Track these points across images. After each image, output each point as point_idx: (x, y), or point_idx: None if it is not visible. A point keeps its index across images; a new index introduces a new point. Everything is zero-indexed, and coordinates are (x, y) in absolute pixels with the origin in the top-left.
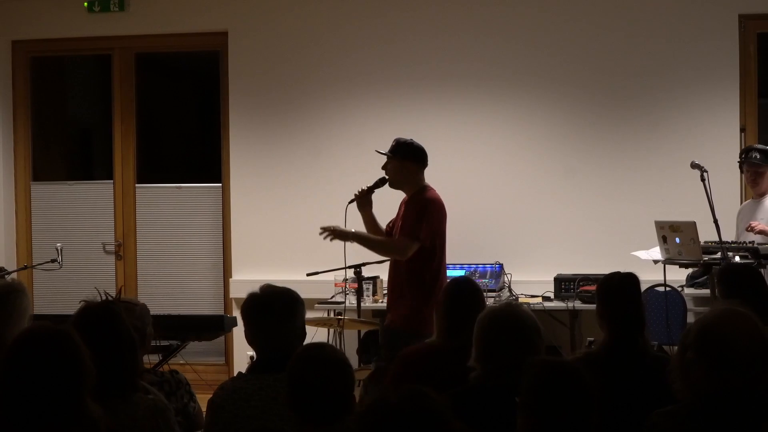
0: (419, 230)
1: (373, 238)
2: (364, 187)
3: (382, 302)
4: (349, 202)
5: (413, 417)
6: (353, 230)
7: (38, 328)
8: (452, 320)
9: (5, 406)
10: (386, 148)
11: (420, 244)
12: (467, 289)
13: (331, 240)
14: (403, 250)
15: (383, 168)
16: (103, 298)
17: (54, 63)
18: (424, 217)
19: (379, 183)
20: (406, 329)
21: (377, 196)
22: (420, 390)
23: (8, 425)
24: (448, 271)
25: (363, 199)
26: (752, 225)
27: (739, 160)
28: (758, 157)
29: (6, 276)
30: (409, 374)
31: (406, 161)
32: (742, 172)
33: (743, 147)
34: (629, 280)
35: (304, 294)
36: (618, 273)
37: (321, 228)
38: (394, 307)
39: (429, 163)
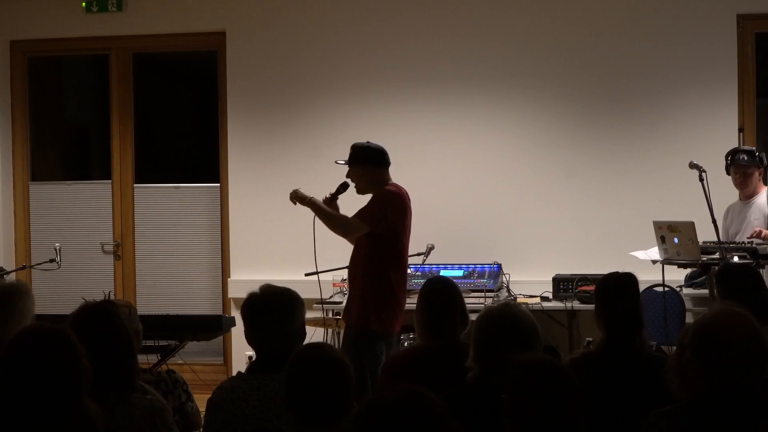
0: (371, 216)
1: (326, 209)
2: (327, 195)
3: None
4: (314, 219)
5: (410, 416)
6: (311, 197)
7: (35, 327)
8: (432, 321)
9: (2, 403)
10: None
11: (369, 228)
12: (442, 288)
13: (294, 204)
14: (349, 227)
15: (347, 176)
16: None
17: (52, 63)
18: (378, 205)
19: (341, 189)
20: (363, 327)
21: (351, 201)
22: (417, 390)
23: (5, 424)
24: (446, 271)
25: (329, 206)
26: (758, 232)
27: (726, 162)
28: (745, 158)
29: (5, 276)
30: (398, 379)
31: (366, 166)
32: (728, 174)
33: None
34: (627, 280)
35: (302, 294)
36: (616, 273)
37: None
38: (352, 305)
39: (428, 163)
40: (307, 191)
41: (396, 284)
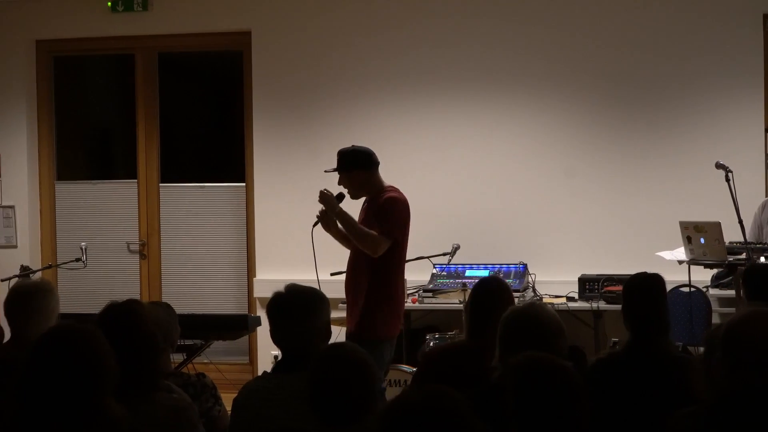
0: (388, 227)
1: (357, 226)
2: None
3: (405, 302)
4: (314, 226)
5: (434, 416)
6: (340, 208)
7: (62, 327)
8: (474, 320)
9: (28, 404)
10: (410, 149)
11: (391, 241)
12: (489, 289)
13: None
14: (379, 246)
15: (339, 184)
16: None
17: (77, 62)
18: (392, 215)
19: (339, 199)
20: (361, 335)
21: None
22: (441, 389)
23: (31, 423)
24: (472, 271)
25: (326, 219)
26: None
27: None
28: None
29: (31, 275)
30: (432, 373)
31: (353, 171)
32: None
33: None
34: (653, 281)
35: (327, 294)
36: (643, 273)
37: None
38: (351, 313)
39: (454, 163)
40: (332, 190)
41: (398, 288)
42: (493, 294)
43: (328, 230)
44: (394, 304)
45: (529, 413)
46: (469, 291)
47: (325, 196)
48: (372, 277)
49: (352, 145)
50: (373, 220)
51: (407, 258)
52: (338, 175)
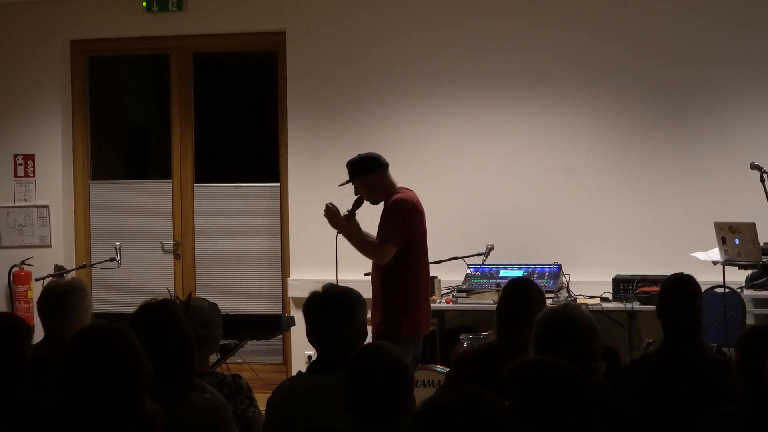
0: (388, 232)
1: (362, 238)
2: (346, 212)
3: (439, 302)
4: (338, 233)
5: (470, 417)
6: (344, 223)
7: (95, 326)
8: (505, 320)
9: (63, 403)
10: (445, 149)
11: (394, 245)
12: (521, 289)
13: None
14: (384, 254)
15: (356, 194)
16: (172, 298)
17: (112, 62)
18: (391, 218)
19: (357, 204)
20: (383, 335)
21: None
22: (477, 390)
23: (66, 422)
24: (506, 271)
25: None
26: None
27: None
28: None
29: (65, 275)
30: (465, 374)
31: (366, 177)
32: None
33: None
34: (687, 282)
35: (364, 294)
36: (679, 274)
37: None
38: (374, 314)
39: (488, 164)
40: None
41: (414, 289)
42: (525, 294)
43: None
44: (411, 302)
45: (529, 417)
46: None
47: (329, 211)
48: (388, 277)
49: (358, 154)
50: (381, 225)
51: (441, 259)
52: (353, 187)
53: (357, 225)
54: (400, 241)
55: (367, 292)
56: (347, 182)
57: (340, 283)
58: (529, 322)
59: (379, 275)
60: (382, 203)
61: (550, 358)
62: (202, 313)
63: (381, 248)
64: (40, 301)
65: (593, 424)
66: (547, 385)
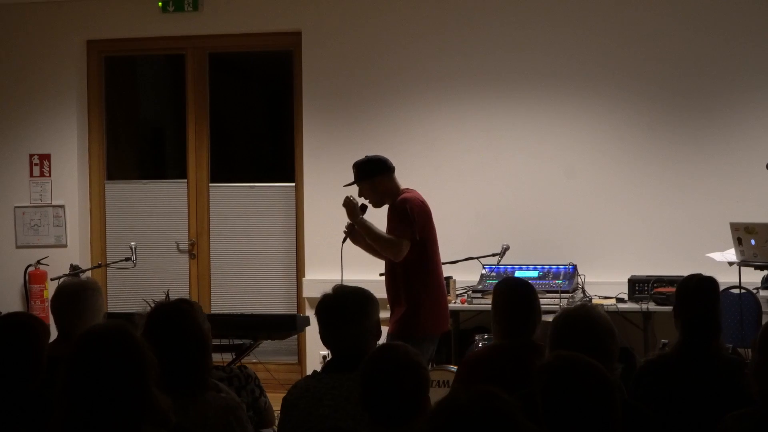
0: (401, 229)
1: (377, 232)
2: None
3: (455, 302)
4: (343, 241)
5: (484, 417)
6: (362, 216)
7: (96, 326)
8: (512, 320)
9: (73, 402)
10: (461, 150)
11: (409, 241)
12: (520, 288)
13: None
14: (398, 250)
15: (360, 196)
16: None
17: (127, 62)
18: (404, 216)
19: (362, 211)
20: (400, 335)
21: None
22: (490, 390)
23: (78, 421)
24: (521, 272)
25: (353, 233)
26: None
27: None
28: None
29: (81, 274)
30: (475, 377)
31: (374, 179)
32: None
33: None
34: (707, 283)
35: (377, 294)
36: (698, 275)
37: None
38: (392, 314)
39: (503, 164)
40: None
41: (434, 288)
42: (527, 292)
43: (357, 243)
44: (431, 301)
45: (558, 414)
46: None
47: (349, 203)
48: (401, 278)
49: (366, 156)
50: (390, 224)
51: (456, 259)
52: (357, 189)
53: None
54: (414, 238)
55: (378, 292)
56: (352, 183)
57: (354, 284)
58: (534, 320)
59: (397, 275)
60: (386, 206)
61: (580, 354)
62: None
63: (398, 243)
64: (53, 301)
65: (617, 425)
66: (578, 382)
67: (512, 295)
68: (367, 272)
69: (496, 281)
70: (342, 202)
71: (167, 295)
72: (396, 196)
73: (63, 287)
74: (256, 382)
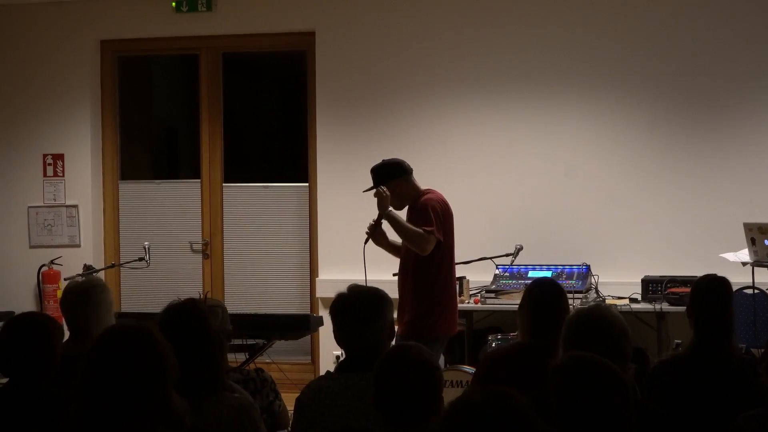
0: (428, 226)
1: (405, 224)
2: (372, 222)
3: (468, 302)
4: (365, 242)
5: (498, 417)
6: (390, 208)
7: (120, 325)
8: (536, 320)
9: (91, 400)
10: (474, 151)
11: (435, 238)
12: (550, 289)
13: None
14: (426, 243)
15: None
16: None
17: (141, 62)
18: (428, 214)
19: (379, 222)
20: (411, 335)
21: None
22: (504, 390)
23: (94, 420)
24: (534, 272)
25: (375, 234)
26: None
27: None
28: None
29: (94, 274)
30: (495, 374)
31: (393, 181)
32: None
33: None
34: (719, 283)
35: (391, 293)
36: (712, 275)
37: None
38: (402, 315)
39: (517, 164)
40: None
41: (447, 289)
42: (556, 293)
43: (378, 244)
44: (445, 303)
45: (572, 414)
46: None
47: (380, 194)
48: (422, 277)
49: (382, 160)
50: (414, 223)
51: (469, 259)
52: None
53: (383, 233)
54: (437, 239)
55: (392, 293)
56: (371, 189)
57: (369, 284)
58: (560, 321)
59: (411, 275)
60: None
61: (594, 354)
62: (218, 314)
63: (426, 236)
64: (63, 300)
65: (631, 425)
66: (592, 383)
67: (540, 294)
68: (381, 272)
69: (510, 281)
70: (373, 193)
71: (204, 296)
72: (416, 198)
73: (71, 286)
74: (272, 387)
